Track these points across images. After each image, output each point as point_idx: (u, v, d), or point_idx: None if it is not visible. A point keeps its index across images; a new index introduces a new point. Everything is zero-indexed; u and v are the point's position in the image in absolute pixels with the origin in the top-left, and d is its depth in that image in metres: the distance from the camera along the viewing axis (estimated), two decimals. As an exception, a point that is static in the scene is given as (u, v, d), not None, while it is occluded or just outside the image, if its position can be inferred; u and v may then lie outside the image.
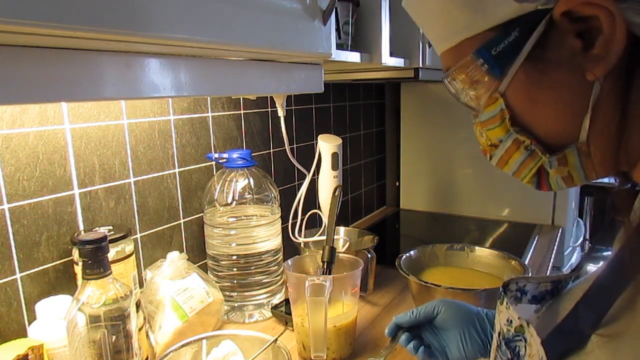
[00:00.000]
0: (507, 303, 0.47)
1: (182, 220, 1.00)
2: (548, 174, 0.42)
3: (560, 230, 1.55)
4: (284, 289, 1.02)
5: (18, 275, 0.73)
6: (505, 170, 0.45)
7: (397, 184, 1.89)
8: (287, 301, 0.94)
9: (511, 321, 0.46)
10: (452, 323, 0.65)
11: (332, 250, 0.88)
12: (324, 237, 0.97)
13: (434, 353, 0.67)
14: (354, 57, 0.87)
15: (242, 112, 1.12)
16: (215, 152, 0.98)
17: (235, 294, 0.96)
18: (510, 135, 0.42)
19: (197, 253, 1.04)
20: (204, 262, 1.03)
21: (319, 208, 1.05)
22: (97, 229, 0.81)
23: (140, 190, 0.90)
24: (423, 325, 0.69)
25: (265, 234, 0.96)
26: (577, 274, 0.49)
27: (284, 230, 1.03)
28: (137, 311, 0.71)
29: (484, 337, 0.65)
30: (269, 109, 1.20)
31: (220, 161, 0.95)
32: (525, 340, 0.44)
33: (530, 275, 0.87)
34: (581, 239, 1.94)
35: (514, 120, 0.41)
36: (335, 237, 1.14)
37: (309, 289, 0.75)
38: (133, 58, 0.46)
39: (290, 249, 1.08)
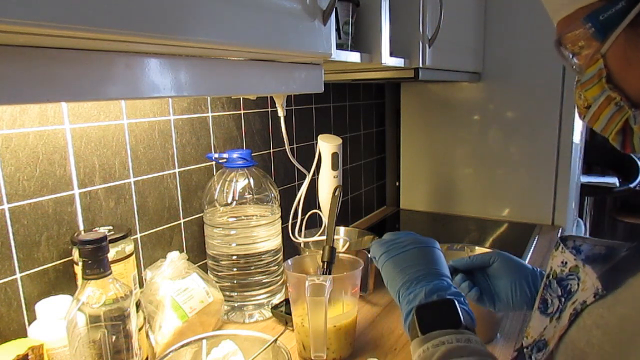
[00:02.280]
0: (562, 248, 0.53)
1: (182, 220, 1.00)
2: (633, 133, 0.48)
3: (560, 230, 1.55)
4: (284, 289, 1.02)
5: (18, 275, 0.73)
6: (595, 127, 0.51)
7: (397, 184, 1.89)
8: (287, 301, 0.94)
9: (566, 263, 0.52)
10: (505, 273, 0.68)
11: (332, 250, 0.88)
12: (324, 237, 0.97)
13: (482, 297, 0.69)
14: (354, 57, 0.87)
15: (242, 112, 1.12)
16: (215, 152, 0.98)
17: (235, 294, 0.96)
18: (604, 92, 0.48)
19: (197, 253, 1.04)
20: (204, 262, 1.03)
21: (319, 208, 1.05)
22: (97, 229, 0.81)
23: (140, 190, 0.90)
24: (476, 271, 0.72)
25: (265, 234, 0.96)
26: (630, 245, 0.53)
27: (284, 230, 1.03)
28: (137, 311, 0.71)
29: (534, 292, 0.66)
30: (269, 109, 1.20)
31: (220, 161, 0.95)
32: (579, 279, 0.50)
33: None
34: (581, 239, 1.94)
35: (609, 78, 0.47)
36: (335, 237, 1.14)
37: (309, 289, 0.75)
38: (133, 58, 0.46)
39: (290, 249, 1.08)
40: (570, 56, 0.50)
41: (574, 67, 0.51)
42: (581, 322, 0.47)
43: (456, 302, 0.53)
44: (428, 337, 0.50)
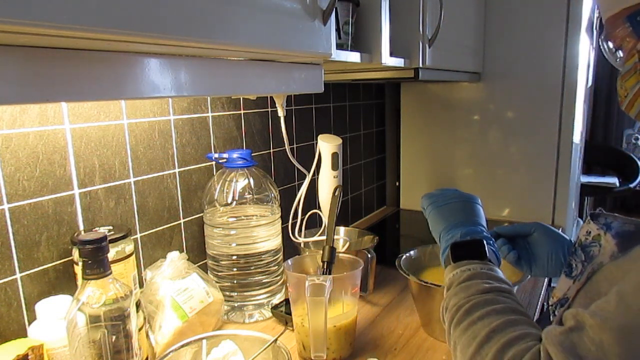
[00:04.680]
0: (588, 220, 0.61)
1: (182, 220, 1.00)
2: None
3: (560, 230, 1.55)
4: (284, 289, 1.02)
5: (18, 275, 0.73)
6: (630, 113, 0.57)
7: (397, 184, 1.89)
8: (287, 301, 0.94)
9: (590, 232, 0.61)
10: (544, 242, 0.75)
11: (332, 250, 0.88)
12: (324, 237, 0.97)
13: (520, 262, 0.76)
14: (354, 57, 0.87)
15: (242, 112, 1.12)
16: (215, 152, 0.98)
17: (235, 294, 0.96)
18: (638, 83, 0.54)
19: (197, 253, 1.04)
20: (204, 262, 1.03)
21: (319, 208, 1.05)
22: (97, 229, 0.81)
23: (140, 190, 0.90)
24: (518, 238, 0.78)
25: (265, 234, 0.96)
26: None
27: (284, 230, 1.03)
28: (137, 311, 0.71)
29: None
30: (269, 109, 1.20)
31: (220, 161, 0.95)
32: (600, 246, 0.58)
33: (529, 277, 0.89)
34: (581, 239, 1.93)
35: None
36: (335, 237, 1.14)
37: (309, 289, 0.75)
38: (133, 58, 0.46)
39: (290, 249, 1.08)
40: (614, 50, 0.57)
41: (617, 60, 0.58)
42: (594, 278, 0.56)
43: (484, 242, 0.63)
44: (458, 264, 0.61)
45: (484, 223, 0.71)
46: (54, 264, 0.77)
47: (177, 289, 0.84)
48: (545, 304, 1.16)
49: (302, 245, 1.06)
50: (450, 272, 0.62)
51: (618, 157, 2.92)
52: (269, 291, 0.98)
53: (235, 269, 0.95)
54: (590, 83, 1.70)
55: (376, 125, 1.81)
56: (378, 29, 0.94)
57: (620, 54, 0.57)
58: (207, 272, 0.97)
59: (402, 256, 0.98)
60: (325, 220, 1.01)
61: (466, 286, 0.57)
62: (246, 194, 0.95)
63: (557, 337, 0.44)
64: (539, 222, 0.78)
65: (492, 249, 0.64)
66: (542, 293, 1.13)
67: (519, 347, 0.47)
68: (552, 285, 1.25)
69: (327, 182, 1.03)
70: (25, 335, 0.72)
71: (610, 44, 0.58)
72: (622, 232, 0.58)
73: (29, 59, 0.38)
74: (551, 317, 0.64)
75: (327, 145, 1.02)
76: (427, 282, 0.86)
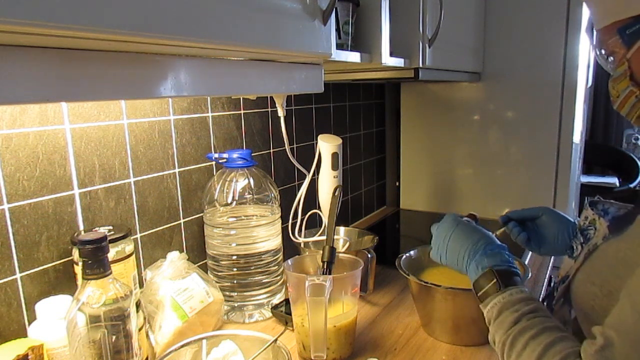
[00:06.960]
0: (586, 206, 0.70)
1: (182, 220, 1.00)
2: None
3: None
4: (284, 289, 1.02)
5: (18, 275, 0.73)
6: (621, 111, 0.64)
7: (397, 184, 1.89)
8: (287, 301, 0.94)
9: (587, 217, 0.71)
10: (552, 224, 0.85)
11: (332, 250, 0.88)
12: (324, 237, 0.97)
13: (529, 242, 0.86)
14: (354, 57, 0.87)
15: (242, 112, 1.12)
16: (215, 152, 0.98)
17: (235, 294, 0.96)
18: (628, 87, 0.61)
19: (197, 253, 1.04)
20: (204, 262, 1.03)
21: (319, 208, 1.05)
22: (97, 229, 0.81)
23: (140, 190, 0.90)
24: (528, 221, 0.88)
25: (265, 234, 0.96)
26: None
27: (284, 230, 1.03)
28: (137, 311, 0.71)
29: (573, 241, 0.82)
30: (269, 109, 1.20)
31: (220, 161, 0.95)
32: (595, 229, 0.67)
33: (529, 275, 0.90)
34: (581, 239, 1.93)
35: (631, 76, 0.61)
36: (335, 237, 1.14)
37: (309, 289, 0.75)
38: (133, 58, 0.46)
39: (290, 249, 1.08)
40: (606, 57, 0.64)
41: (609, 65, 0.64)
42: (591, 258, 0.64)
43: (493, 270, 0.66)
44: (485, 303, 0.65)
45: (480, 233, 0.72)
46: (54, 264, 0.77)
47: (177, 289, 0.84)
48: (550, 284, 1.20)
49: (302, 245, 1.06)
50: (483, 309, 0.66)
51: (618, 157, 2.92)
52: (269, 291, 0.98)
53: (235, 269, 0.95)
54: (590, 83, 1.70)
55: (376, 125, 1.81)
56: (378, 29, 0.94)
57: (612, 59, 0.63)
58: (207, 272, 0.97)
59: (402, 256, 0.98)
60: (325, 220, 1.01)
61: (500, 322, 0.62)
62: (246, 194, 0.95)
63: (594, 355, 0.50)
64: (546, 206, 0.87)
65: (502, 270, 0.66)
66: (543, 292, 1.13)
67: None
68: (552, 284, 1.26)
69: (327, 182, 1.03)
70: (25, 335, 0.72)
71: (603, 51, 0.64)
72: (616, 217, 0.66)
73: (28, 60, 0.38)
74: (555, 292, 0.72)
75: (327, 145, 1.02)
76: (427, 282, 0.86)
